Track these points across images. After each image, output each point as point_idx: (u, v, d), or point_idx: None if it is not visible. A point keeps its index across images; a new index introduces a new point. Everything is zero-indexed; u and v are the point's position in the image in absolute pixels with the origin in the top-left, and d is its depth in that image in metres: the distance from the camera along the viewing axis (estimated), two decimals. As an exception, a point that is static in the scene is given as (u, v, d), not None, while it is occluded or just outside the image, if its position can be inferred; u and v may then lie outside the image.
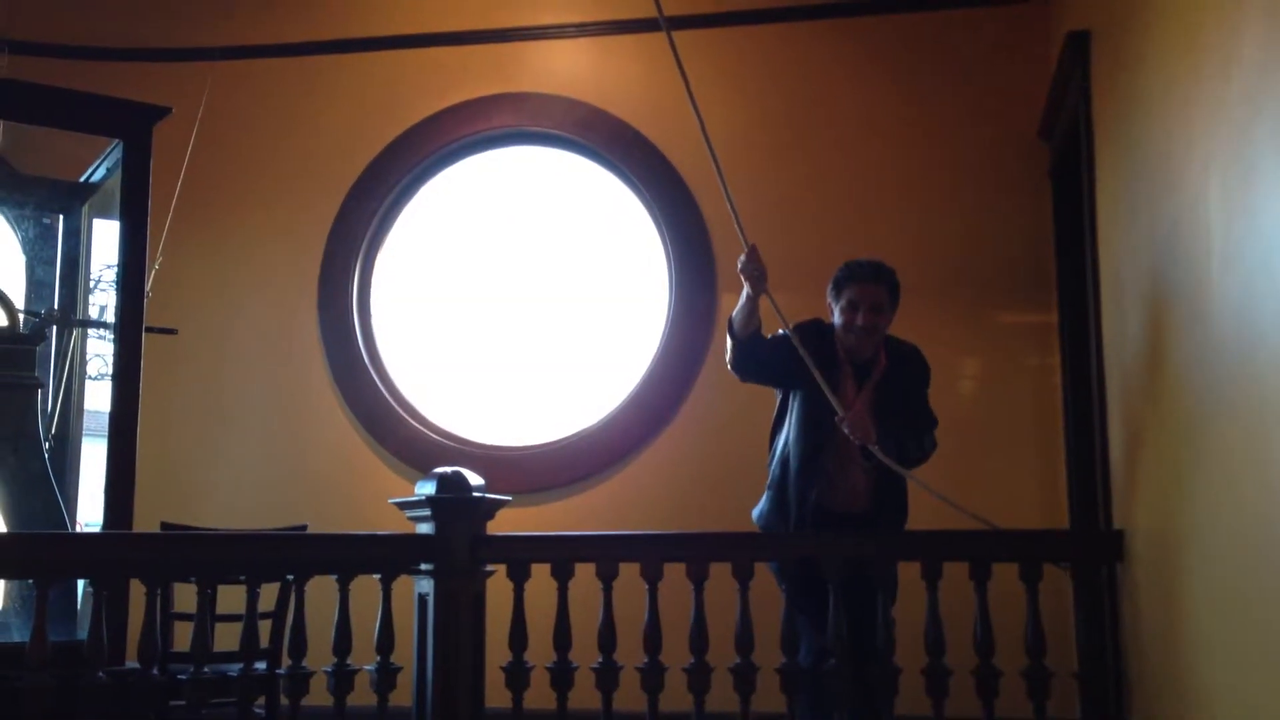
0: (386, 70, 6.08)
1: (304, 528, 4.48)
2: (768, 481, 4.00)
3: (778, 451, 3.97)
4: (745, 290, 3.83)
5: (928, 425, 3.98)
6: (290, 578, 3.75)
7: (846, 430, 3.74)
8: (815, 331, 3.98)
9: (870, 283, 3.89)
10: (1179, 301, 3.10)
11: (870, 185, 5.59)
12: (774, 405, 4.09)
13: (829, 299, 3.98)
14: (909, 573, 3.75)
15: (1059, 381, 5.14)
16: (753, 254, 3.81)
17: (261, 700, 4.06)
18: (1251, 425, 2.48)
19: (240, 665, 3.55)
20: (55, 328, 4.63)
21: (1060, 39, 4.58)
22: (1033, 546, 3.74)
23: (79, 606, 4.19)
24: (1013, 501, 5.19)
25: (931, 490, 3.83)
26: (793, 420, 3.93)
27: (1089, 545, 3.93)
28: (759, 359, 3.92)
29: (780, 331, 3.93)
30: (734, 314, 3.89)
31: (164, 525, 4.31)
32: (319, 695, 3.52)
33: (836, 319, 3.93)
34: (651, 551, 3.71)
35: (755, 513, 4.02)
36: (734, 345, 3.91)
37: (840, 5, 5.74)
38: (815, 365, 3.78)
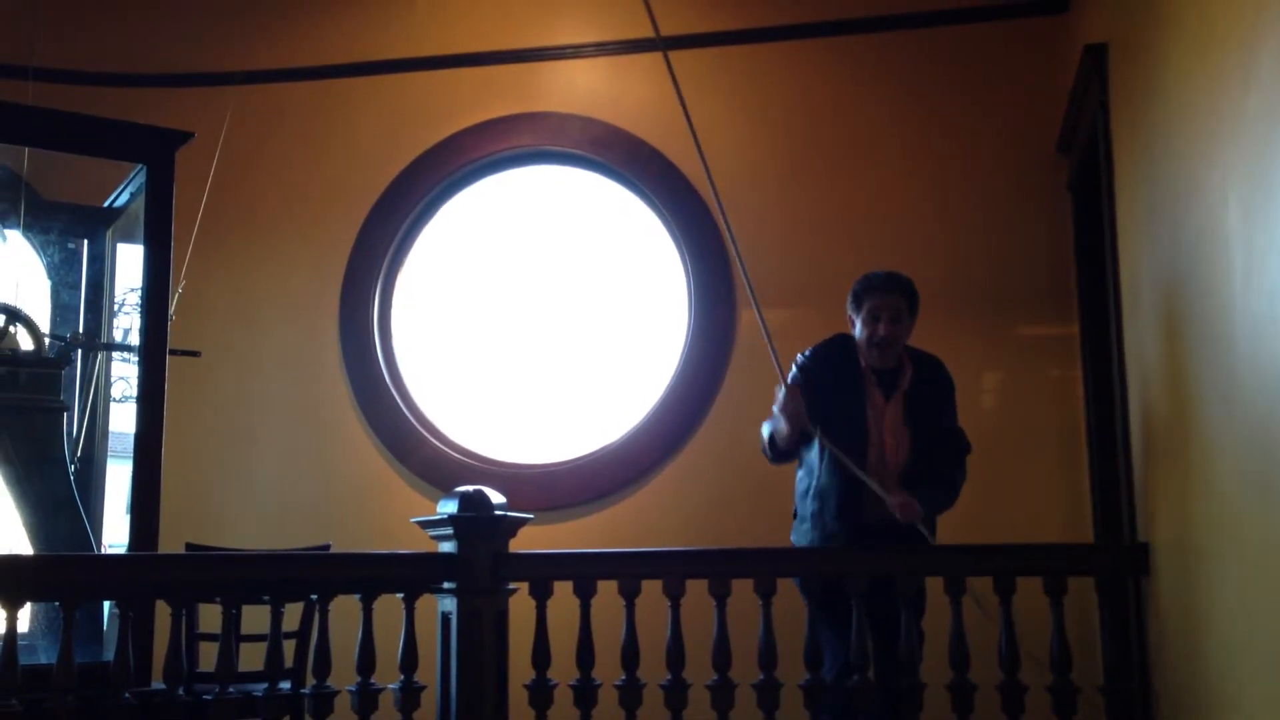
0: (405, 92, 6.12)
1: (327, 547, 4.49)
2: (805, 511, 3.99)
3: (811, 486, 3.96)
4: (784, 423, 3.87)
5: (961, 456, 4.00)
6: (314, 597, 3.76)
7: (899, 517, 3.79)
8: (839, 346, 4.03)
9: (889, 293, 3.94)
10: (1201, 313, 3.09)
11: (889, 201, 5.59)
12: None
13: (849, 312, 4.02)
14: (932, 587, 3.74)
15: (1081, 394, 5.11)
16: (791, 394, 3.84)
17: (286, 720, 4.07)
18: (1275, 436, 2.47)
19: (265, 685, 3.56)
20: (80, 351, 4.66)
21: (1078, 52, 4.57)
22: (1057, 561, 3.72)
23: (105, 628, 4.21)
24: (1036, 515, 5.18)
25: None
26: (825, 454, 3.92)
27: (1114, 559, 3.90)
28: (795, 455, 4.04)
29: (794, 371, 4.01)
30: (776, 436, 3.95)
31: (189, 546, 4.34)
32: (343, 714, 3.53)
33: (858, 331, 3.98)
34: (673, 568, 3.70)
35: (799, 541, 4.04)
36: (773, 453, 4.02)
37: (857, 21, 5.75)
38: (853, 461, 3.86)
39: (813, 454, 3.99)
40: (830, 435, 3.89)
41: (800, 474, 4.07)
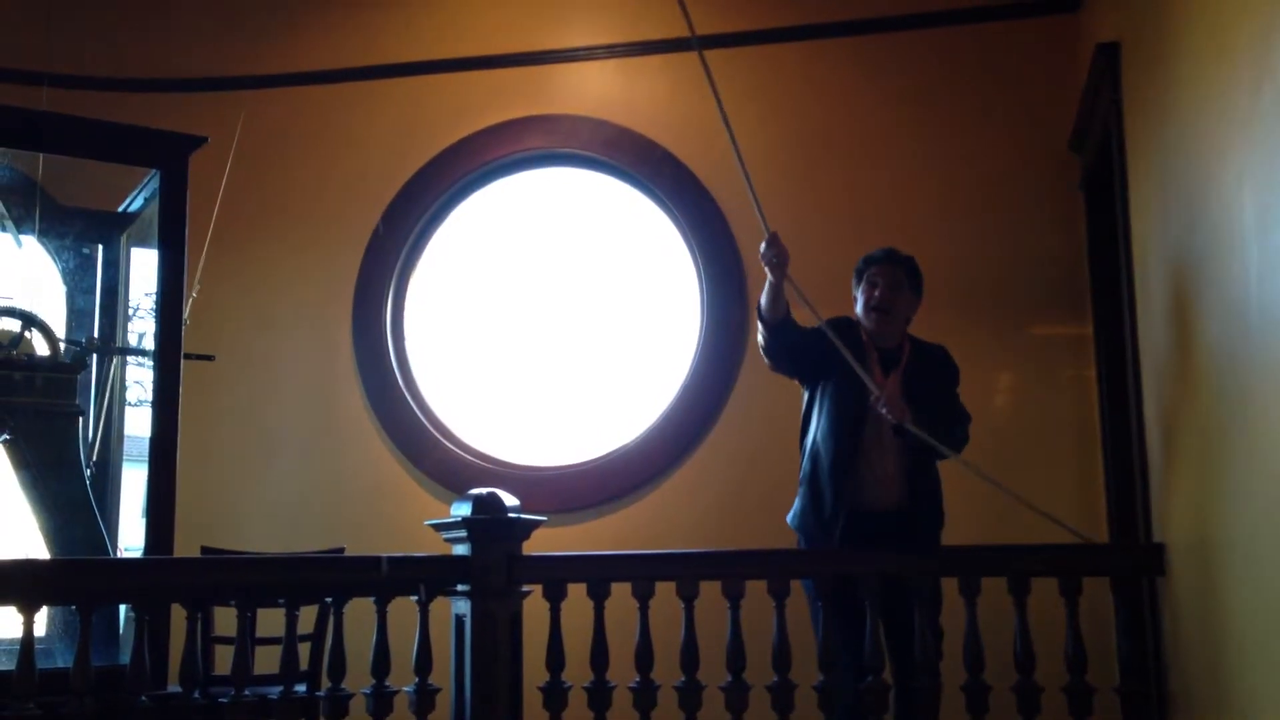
0: (417, 95, 6.14)
1: (341, 550, 4.51)
2: (800, 478, 3.99)
3: (808, 448, 3.97)
4: (769, 277, 3.86)
5: (961, 419, 4.00)
6: (328, 600, 3.77)
7: (882, 409, 3.74)
8: (844, 324, 4.05)
9: (885, 263, 4.01)
10: (1215, 311, 3.08)
11: (901, 199, 5.58)
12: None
13: (853, 291, 4.06)
14: (947, 588, 3.73)
15: (1095, 393, 5.10)
16: (773, 240, 3.85)
17: (302, 722, 4.08)
18: (1291, 436, 2.46)
19: (280, 688, 3.57)
20: (95, 356, 4.68)
21: (1090, 51, 4.56)
22: (1072, 561, 3.71)
23: (121, 631, 4.23)
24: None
25: (969, 465, 3.81)
26: (823, 415, 3.94)
27: (1129, 559, 3.89)
28: (791, 341, 3.94)
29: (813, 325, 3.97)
30: (760, 300, 3.93)
31: (204, 549, 4.36)
32: (359, 717, 3.54)
33: (859, 305, 4.01)
34: (687, 570, 3.71)
35: (790, 515, 4.03)
36: (765, 330, 3.94)
37: (869, 21, 5.74)
38: (847, 350, 3.82)
39: (812, 418, 3.99)
40: (828, 407, 3.88)
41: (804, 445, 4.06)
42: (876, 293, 3.97)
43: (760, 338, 3.99)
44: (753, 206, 3.99)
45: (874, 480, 3.85)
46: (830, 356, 3.90)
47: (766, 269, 3.84)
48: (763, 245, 3.85)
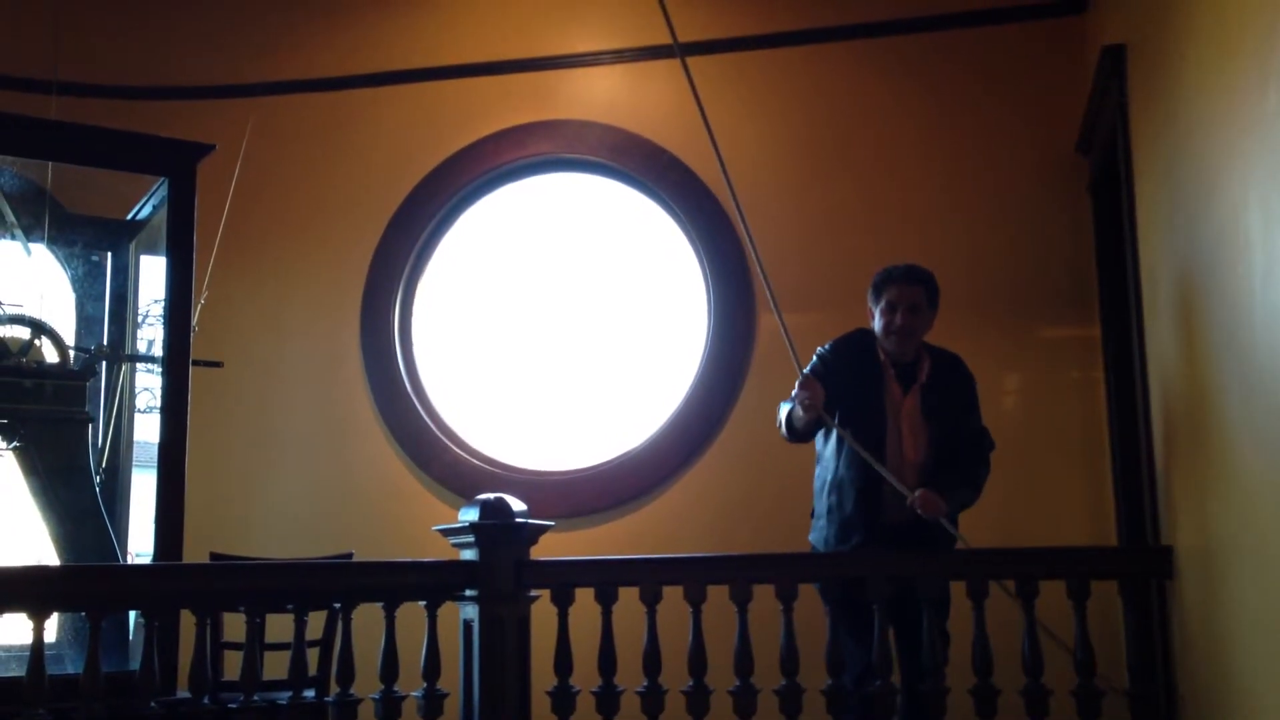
0: (424, 101, 6.15)
1: (350, 556, 4.51)
2: (822, 508, 3.99)
3: (828, 480, 3.97)
4: (800, 410, 3.90)
5: (984, 453, 4.00)
6: (337, 606, 3.78)
7: (919, 511, 3.80)
8: (858, 339, 4.05)
9: (907, 283, 3.98)
10: (1221, 314, 3.07)
11: (909, 203, 5.58)
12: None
13: (869, 304, 4.05)
14: (956, 591, 3.73)
15: (1103, 396, 5.09)
16: (809, 385, 3.86)
17: (311, 728, 4.09)
18: (1298, 438, 2.45)
19: (289, 694, 3.57)
20: (105, 363, 4.70)
21: (1096, 53, 4.56)
22: (1081, 564, 3.70)
23: (131, 637, 4.25)
24: (1059, 518, 5.16)
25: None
26: (844, 448, 3.93)
27: (1137, 562, 3.88)
28: (810, 437, 4.06)
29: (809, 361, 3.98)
30: (794, 418, 3.97)
31: (213, 555, 4.36)
32: (367, 722, 3.55)
33: (876, 323, 4.01)
34: (694, 574, 3.70)
35: (815, 540, 4.03)
36: (790, 435, 4.04)
37: (876, 25, 5.75)
38: (871, 455, 3.87)
39: (829, 448, 4.00)
40: (848, 427, 3.91)
41: (818, 470, 4.08)
42: (898, 319, 3.95)
43: (781, 428, 4.07)
44: (786, 345, 4.08)
45: (895, 502, 3.88)
46: (844, 384, 3.91)
47: (800, 409, 3.88)
48: (798, 391, 3.88)
